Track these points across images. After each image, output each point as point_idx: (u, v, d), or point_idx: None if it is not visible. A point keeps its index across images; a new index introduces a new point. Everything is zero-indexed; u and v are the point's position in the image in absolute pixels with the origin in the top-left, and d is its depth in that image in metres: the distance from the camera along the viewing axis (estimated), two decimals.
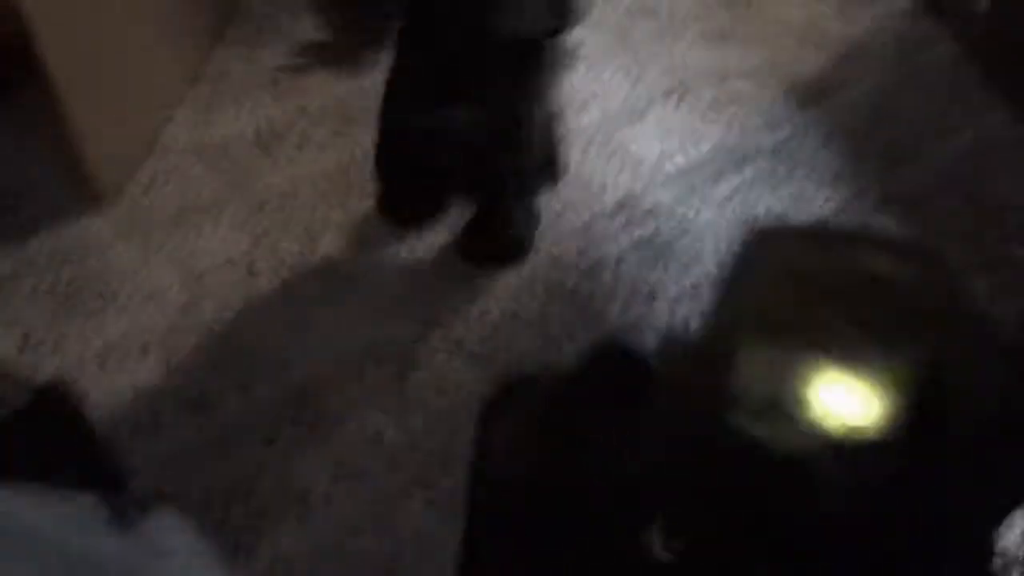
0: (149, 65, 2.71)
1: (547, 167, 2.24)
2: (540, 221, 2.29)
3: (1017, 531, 1.09)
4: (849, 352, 0.98)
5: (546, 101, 2.06)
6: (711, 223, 2.38)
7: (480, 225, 2.26)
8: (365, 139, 2.66)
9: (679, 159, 2.60)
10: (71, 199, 2.45)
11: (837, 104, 2.82)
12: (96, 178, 2.43)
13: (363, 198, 2.46)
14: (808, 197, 2.43)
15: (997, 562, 1.05)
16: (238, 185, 2.56)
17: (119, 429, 1.89)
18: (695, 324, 2.11)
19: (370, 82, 2.94)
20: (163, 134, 2.72)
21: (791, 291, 1.09)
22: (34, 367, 2.01)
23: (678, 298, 2.17)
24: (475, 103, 1.92)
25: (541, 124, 2.08)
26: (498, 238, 2.28)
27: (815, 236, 1.47)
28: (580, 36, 3.11)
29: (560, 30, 1.93)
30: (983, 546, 1.02)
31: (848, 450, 0.92)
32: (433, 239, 2.33)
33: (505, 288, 2.23)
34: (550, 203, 2.37)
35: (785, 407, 0.94)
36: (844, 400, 0.94)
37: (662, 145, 2.65)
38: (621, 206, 2.44)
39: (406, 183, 2.30)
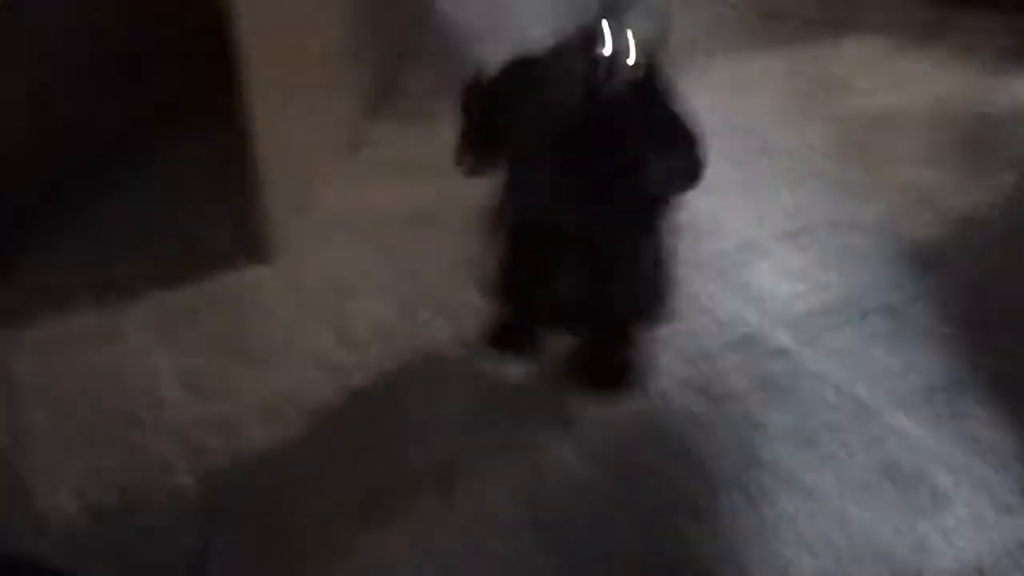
0: (319, 127, 2.92)
1: (660, 306, 2.34)
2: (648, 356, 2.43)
3: None
4: None
5: (663, 245, 2.21)
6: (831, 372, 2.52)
7: (591, 353, 2.42)
8: None
9: (804, 302, 2.75)
10: (238, 247, 2.63)
11: (952, 273, 2.95)
12: (265, 230, 2.61)
13: None
14: (918, 365, 2.56)
15: None
16: (386, 255, 2.74)
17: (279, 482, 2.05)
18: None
19: None
20: (323, 200, 2.91)
21: None
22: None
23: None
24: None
25: (658, 266, 2.23)
26: (609, 366, 2.43)
27: None
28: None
29: (691, 186, 2.10)
30: None
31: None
32: None
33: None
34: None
35: None
36: None
37: (787, 286, 2.81)
38: (744, 342, 2.59)
39: (523, 318, 2.43)
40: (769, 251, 2.98)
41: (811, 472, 2.21)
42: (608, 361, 2.43)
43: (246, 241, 2.62)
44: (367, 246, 2.78)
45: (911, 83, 4.27)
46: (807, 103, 4.00)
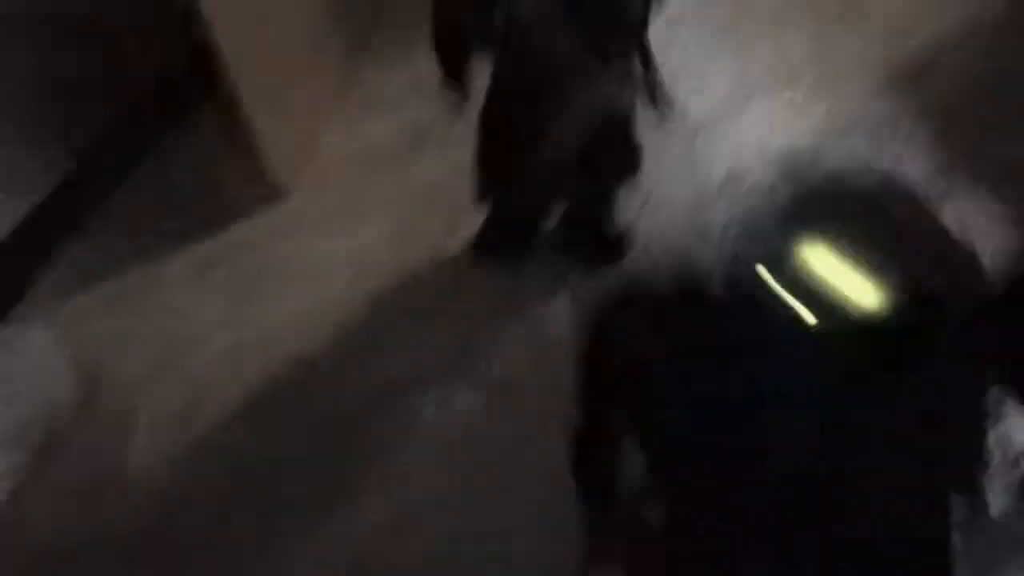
0: (310, 74, 3.11)
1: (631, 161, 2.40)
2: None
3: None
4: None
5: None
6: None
7: (583, 226, 2.55)
8: None
9: (782, 140, 2.84)
10: (250, 196, 2.87)
11: (935, 83, 2.99)
12: (271, 177, 2.84)
13: None
14: (903, 170, 2.64)
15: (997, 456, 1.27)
16: (390, 181, 2.94)
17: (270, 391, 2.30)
18: None
19: None
20: (327, 136, 3.12)
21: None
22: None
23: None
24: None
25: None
26: (601, 236, 2.58)
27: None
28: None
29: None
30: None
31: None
32: None
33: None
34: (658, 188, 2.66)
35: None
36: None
37: (765, 129, 2.90)
38: (725, 185, 2.70)
39: (510, 216, 2.52)
40: (750, 98, 3.06)
41: None
42: (602, 229, 2.57)
43: (255, 189, 2.85)
44: (371, 174, 2.97)
45: None
46: None
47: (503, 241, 2.56)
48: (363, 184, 2.93)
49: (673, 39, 3.33)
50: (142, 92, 2.97)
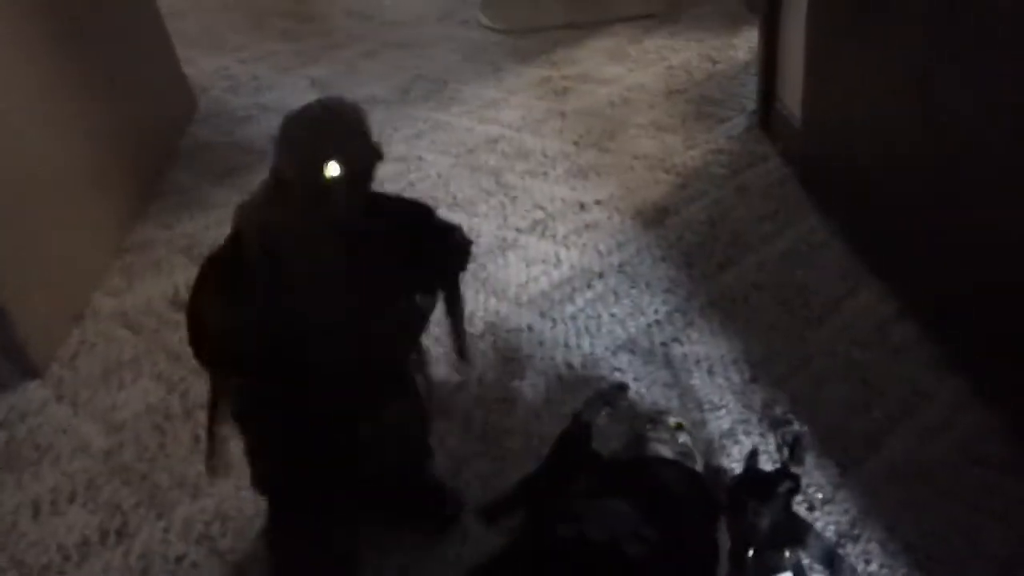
0: (74, 245, 3.11)
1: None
2: None
3: None
4: None
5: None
6: (562, 336, 2.76)
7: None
8: None
9: (542, 282, 3.00)
10: (9, 369, 2.79)
11: (676, 222, 3.26)
12: (28, 350, 2.78)
13: None
14: (644, 306, 2.83)
15: None
16: (157, 341, 2.92)
17: (51, 561, 2.20)
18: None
19: None
20: (91, 302, 3.09)
21: None
22: None
23: (534, 405, 2.53)
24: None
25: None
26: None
27: None
28: (459, 182, 3.57)
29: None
30: None
31: None
32: None
33: None
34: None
35: None
36: None
37: (527, 272, 3.06)
38: (488, 329, 2.81)
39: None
40: (514, 243, 3.23)
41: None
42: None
43: (12, 363, 2.78)
44: (135, 335, 2.95)
45: (648, 63, 4.63)
46: (554, 104, 4.31)
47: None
48: (126, 348, 2.89)
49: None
50: None
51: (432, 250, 1.92)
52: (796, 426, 2.26)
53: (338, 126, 1.76)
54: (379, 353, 1.89)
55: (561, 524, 1.76)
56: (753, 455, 2.11)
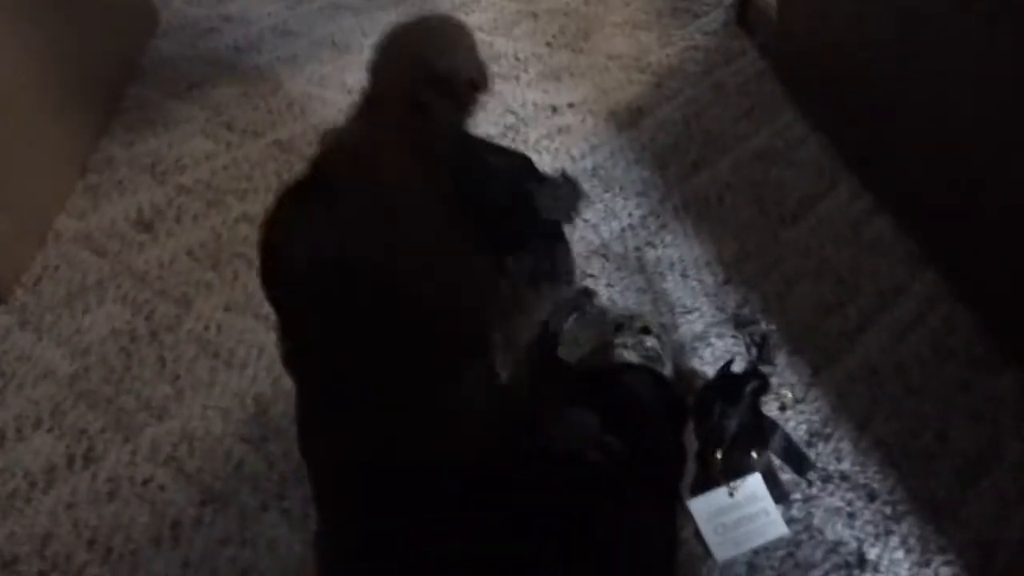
0: (35, 167, 3.02)
1: None
2: None
3: None
4: None
5: None
6: None
7: None
8: (234, 207, 3.00)
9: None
10: None
11: (651, 123, 3.17)
12: None
13: (232, 259, 2.78)
14: (617, 210, 2.77)
15: None
16: (122, 263, 2.86)
17: (18, 487, 2.18)
18: None
19: (242, 154, 3.28)
20: (54, 225, 3.02)
21: None
22: None
23: None
24: None
25: None
26: None
27: None
28: None
29: None
30: None
31: None
32: None
33: None
34: None
35: None
36: None
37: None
38: None
39: None
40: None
41: None
42: None
43: None
44: (99, 258, 2.88)
45: None
46: (527, 4, 4.17)
47: None
48: (91, 271, 2.83)
49: None
50: None
51: (534, 201, 1.74)
52: (763, 325, 2.23)
53: (440, 40, 1.61)
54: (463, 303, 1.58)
55: (526, 436, 1.72)
56: (728, 363, 2.07)
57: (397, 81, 1.54)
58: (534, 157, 3.00)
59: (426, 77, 1.52)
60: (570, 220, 1.85)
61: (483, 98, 1.61)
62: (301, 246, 1.47)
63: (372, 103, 1.56)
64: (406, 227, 1.46)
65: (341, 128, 1.61)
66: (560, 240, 1.89)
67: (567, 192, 1.80)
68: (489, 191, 1.66)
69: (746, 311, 2.35)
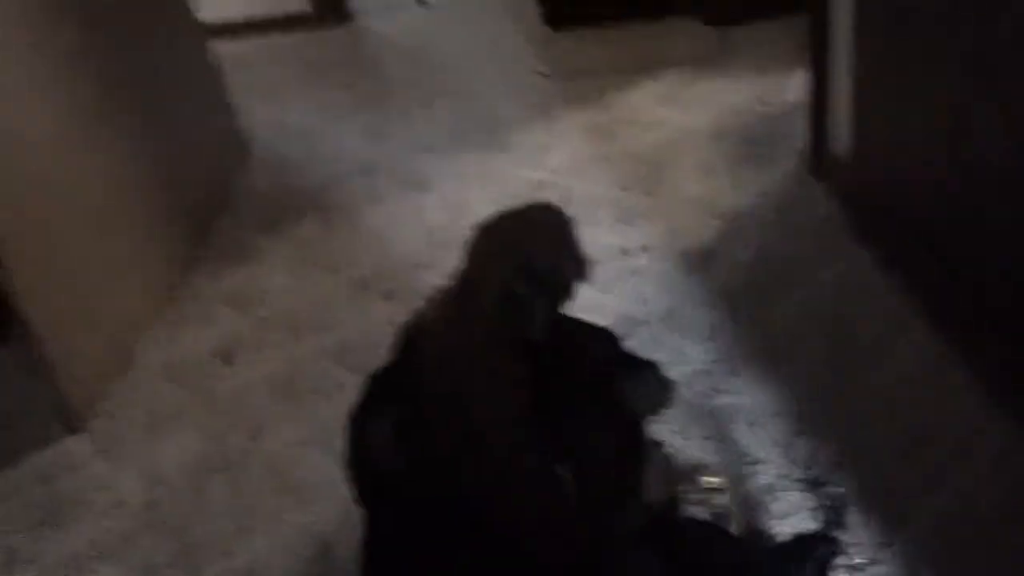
0: (122, 294, 3.16)
1: None
2: None
3: None
4: None
5: None
6: None
7: None
8: (312, 340, 3.07)
9: None
10: (53, 422, 2.83)
11: (721, 266, 3.19)
12: (72, 403, 2.81)
13: (307, 393, 2.85)
14: (686, 356, 2.76)
15: None
16: (199, 392, 2.94)
17: None
18: None
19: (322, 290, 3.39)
20: (136, 353, 3.13)
21: None
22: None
23: None
24: None
25: None
26: None
27: None
28: None
29: None
30: None
31: None
32: None
33: None
34: None
35: None
36: None
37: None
38: None
39: None
40: None
41: None
42: None
43: (58, 415, 2.81)
44: (179, 388, 2.97)
45: (698, 105, 4.56)
46: (603, 148, 4.27)
47: None
48: (170, 400, 2.92)
49: None
50: None
51: (622, 388, 1.69)
52: (835, 487, 2.17)
53: (540, 232, 1.60)
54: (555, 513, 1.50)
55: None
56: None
57: (494, 272, 1.55)
58: (606, 299, 3.07)
59: (525, 272, 1.53)
60: (656, 414, 1.82)
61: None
62: (382, 449, 1.52)
63: (465, 291, 1.57)
64: (488, 442, 1.46)
65: (432, 317, 1.61)
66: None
67: (655, 384, 1.79)
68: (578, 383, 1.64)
69: (817, 471, 2.30)
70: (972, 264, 2.48)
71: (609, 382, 1.72)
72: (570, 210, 1.77)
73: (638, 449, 1.76)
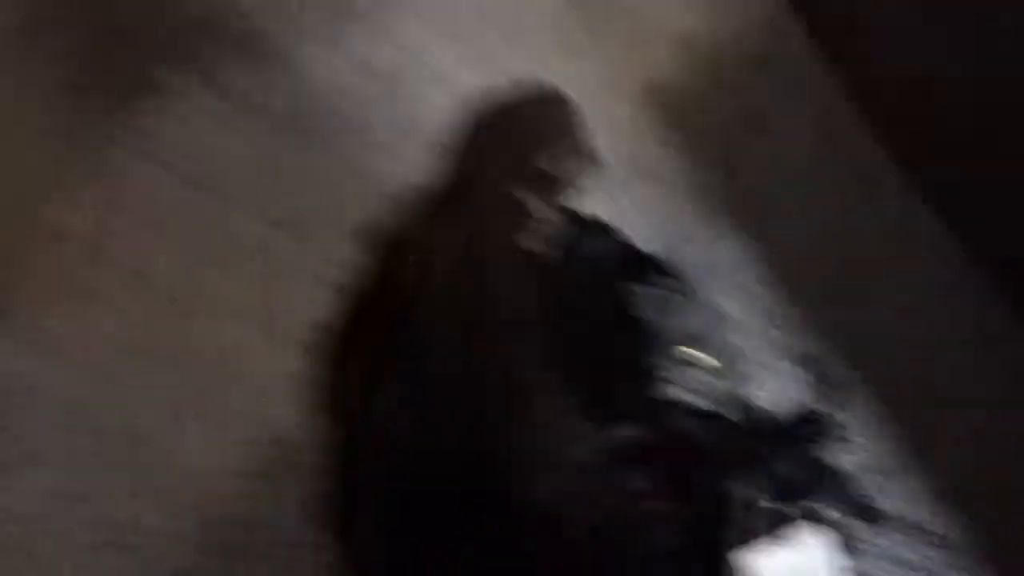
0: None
1: None
2: None
3: None
4: None
5: None
6: None
7: None
8: None
9: None
10: None
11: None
12: None
13: None
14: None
15: None
16: None
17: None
18: None
19: None
20: None
21: None
22: None
23: None
24: None
25: None
26: None
27: None
28: None
29: None
30: None
31: None
32: None
33: None
34: None
35: None
36: None
37: None
38: None
39: None
40: None
41: None
42: None
43: None
44: None
45: None
46: None
47: None
48: None
49: None
50: None
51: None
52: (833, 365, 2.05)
53: (539, 125, 1.37)
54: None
55: None
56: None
57: (490, 176, 1.30)
58: None
59: (525, 174, 1.30)
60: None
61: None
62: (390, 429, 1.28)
63: (455, 197, 1.31)
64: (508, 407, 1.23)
65: (420, 233, 1.33)
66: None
67: (673, 295, 1.55)
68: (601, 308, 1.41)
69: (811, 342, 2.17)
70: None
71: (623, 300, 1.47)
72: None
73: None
